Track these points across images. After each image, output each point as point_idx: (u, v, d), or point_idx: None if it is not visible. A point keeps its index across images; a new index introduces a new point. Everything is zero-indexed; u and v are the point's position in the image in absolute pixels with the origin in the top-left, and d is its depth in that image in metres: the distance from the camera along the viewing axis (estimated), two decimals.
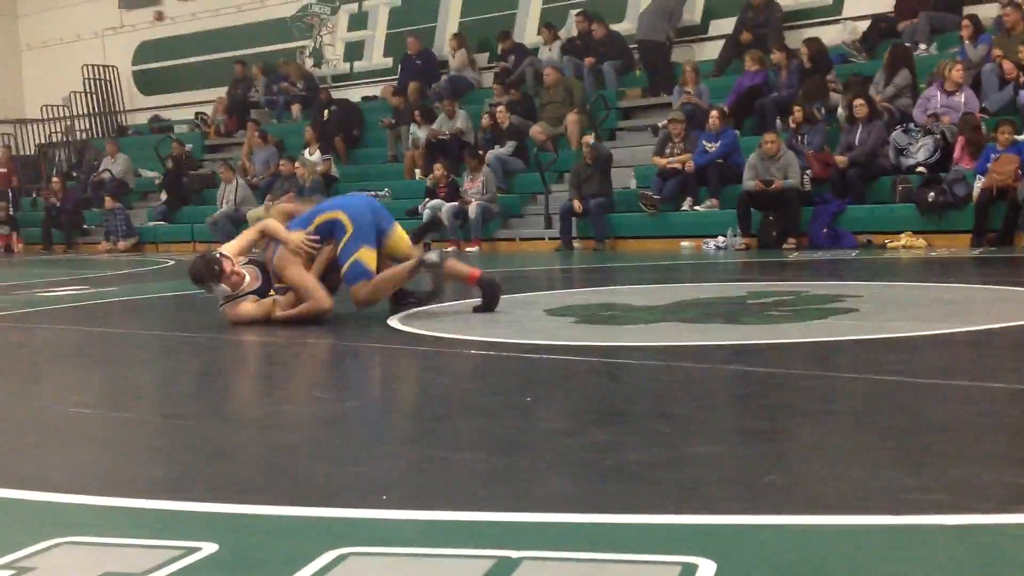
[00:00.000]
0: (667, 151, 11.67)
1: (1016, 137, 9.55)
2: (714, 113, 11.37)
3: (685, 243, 11.06)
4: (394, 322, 5.34)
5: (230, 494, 2.34)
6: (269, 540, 2.00)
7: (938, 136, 10.13)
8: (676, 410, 3.15)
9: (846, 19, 12.94)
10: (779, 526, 1.96)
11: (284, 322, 5.35)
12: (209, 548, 1.92)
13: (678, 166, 11.37)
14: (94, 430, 3.25)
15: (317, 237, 5.48)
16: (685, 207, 11.38)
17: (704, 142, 11.34)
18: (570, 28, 14.80)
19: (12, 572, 1.83)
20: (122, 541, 2.00)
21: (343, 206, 5.58)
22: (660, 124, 12.27)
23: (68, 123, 19.97)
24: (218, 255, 5.39)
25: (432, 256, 5.49)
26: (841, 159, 10.40)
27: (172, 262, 12.79)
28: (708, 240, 10.76)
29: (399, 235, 5.73)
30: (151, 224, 16.40)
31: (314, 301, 5.35)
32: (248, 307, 5.41)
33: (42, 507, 2.28)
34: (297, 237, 5.42)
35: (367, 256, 5.43)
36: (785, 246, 10.18)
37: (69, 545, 1.98)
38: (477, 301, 5.67)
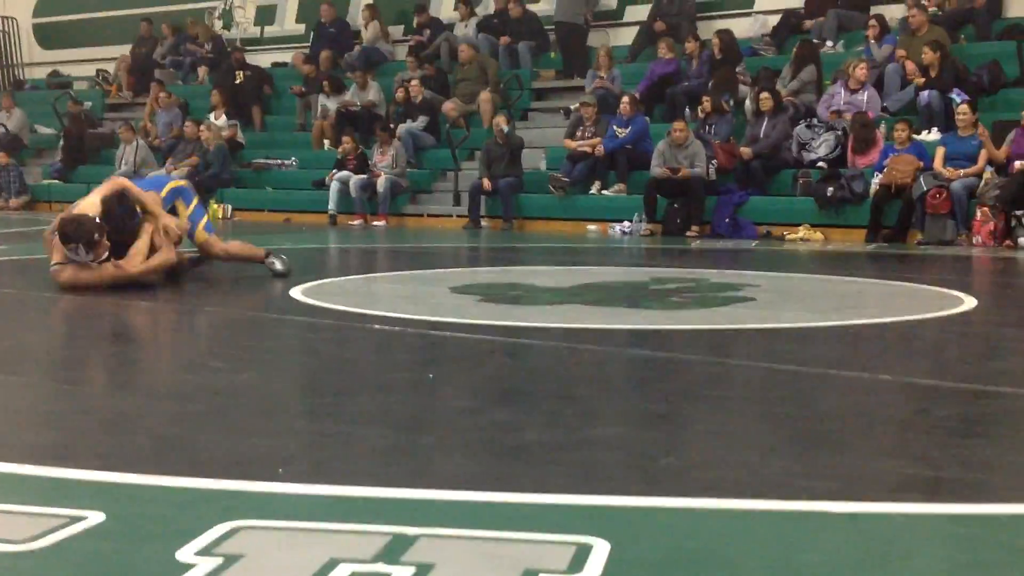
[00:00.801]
0: (578, 134, 11.72)
1: (915, 136, 9.84)
2: (625, 99, 11.45)
3: (591, 227, 11.13)
4: (296, 294, 5.26)
5: (121, 463, 2.28)
6: (160, 511, 1.96)
7: (839, 132, 10.38)
8: (577, 392, 3.17)
9: (758, 12, 13.16)
10: (674, 508, 1.99)
11: (137, 279, 5.30)
12: (96, 517, 1.87)
13: (588, 150, 11.43)
14: None
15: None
16: (593, 191, 11.45)
17: (615, 127, 11.42)
18: (487, 5, 14.73)
19: None
20: (4, 508, 1.93)
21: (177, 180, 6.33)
22: (572, 107, 12.30)
23: None
24: (98, 221, 5.23)
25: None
26: (746, 150, 10.57)
27: None
28: (614, 224, 10.85)
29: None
30: (45, 182, 15.84)
31: (171, 252, 5.50)
32: (85, 273, 5.25)
33: None
34: (171, 222, 5.58)
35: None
36: (688, 234, 10.32)
37: None
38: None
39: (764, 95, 10.65)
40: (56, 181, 15.74)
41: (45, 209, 15.29)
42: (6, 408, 2.93)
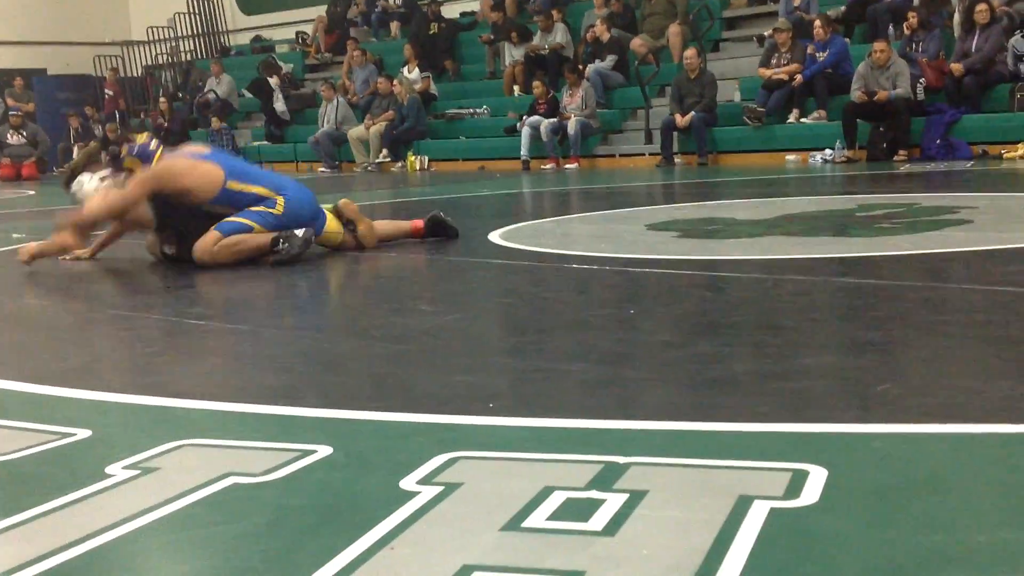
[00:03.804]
0: (773, 62, 11.33)
1: None
2: (817, 22, 10.98)
3: (791, 156, 10.79)
4: (494, 238, 5.36)
5: (342, 401, 2.40)
6: (381, 443, 2.05)
7: None
8: (783, 322, 3.10)
9: None
10: (891, 434, 1.93)
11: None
12: (324, 451, 1.98)
13: (784, 77, 11.05)
14: (211, 340, 3.36)
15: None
16: (791, 119, 11.08)
17: (812, 51, 10.98)
18: None
19: (138, 471, 1.92)
20: (241, 444, 2.07)
21: (290, 196, 4.86)
22: (766, 34, 11.90)
23: (173, 44, 20.29)
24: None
25: (299, 231, 4.73)
26: (956, 66, 9.96)
27: None
28: (815, 153, 10.48)
29: (328, 229, 5.06)
30: (255, 144, 16.67)
31: (117, 201, 4.82)
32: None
33: (165, 411, 2.37)
34: (68, 241, 4.98)
35: (259, 231, 4.76)
36: (896, 158, 9.86)
37: (191, 447, 2.06)
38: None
39: (980, 6, 9.97)
40: (265, 143, 16.53)
41: None
42: (237, 354, 3.13)
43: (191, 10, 20.18)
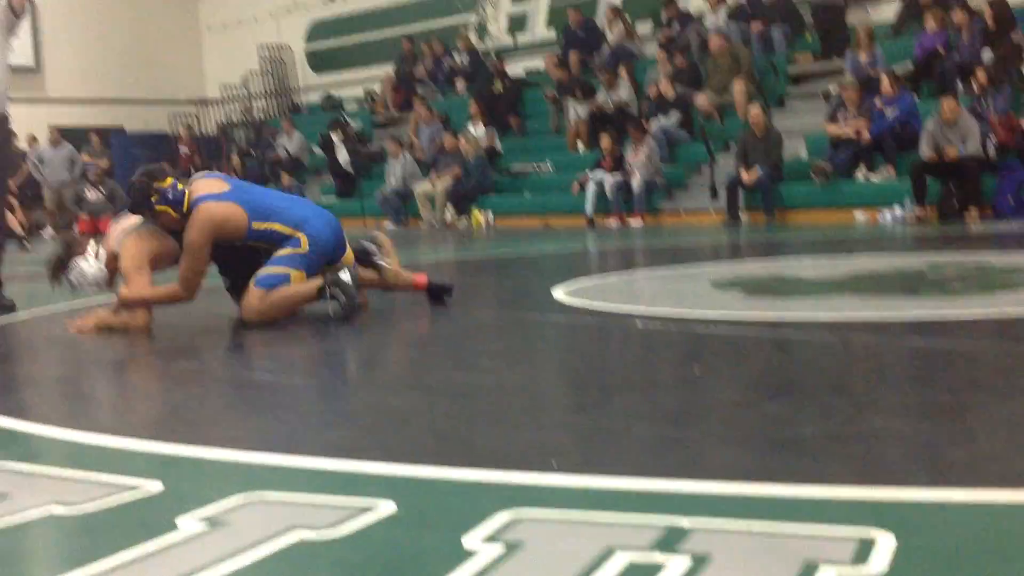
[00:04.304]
0: (839, 118, 11.28)
1: None
2: (885, 79, 10.92)
3: (859, 214, 10.68)
4: (558, 294, 5.37)
5: (405, 456, 2.42)
6: (444, 500, 2.06)
7: None
8: (853, 384, 3.06)
9: None
10: (965, 502, 1.89)
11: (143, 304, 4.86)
12: (388, 506, 1.99)
13: (851, 134, 10.98)
14: (278, 395, 3.41)
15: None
16: (859, 176, 10.99)
17: (880, 108, 10.90)
18: None
19: (208, 525, 1.94)
20: (307, 499, 2.10)
21: (311, 231, 4.83)
22: (832, 89, 11.86)
23: (246, 102, 20.82)
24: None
25: (343, 275, 4.74)
26: None
27: None
28: (883, 210, 10.36)
29: (346, 258, 5.00)
30: (324, 200, 16.95)
31: (188, 290, 4.85)
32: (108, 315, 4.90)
33: (234, 465, 2.40)
34: (140, 322, 4.84)
35: (296, 278, 4.78)
36: (967, 216, 9.71)
37: (259, 502, 2.09)
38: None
39: None
40: (334, 199, 16.81)
41: None
42: (303, 409, 3.17)
43: (263, 69, 20.73)
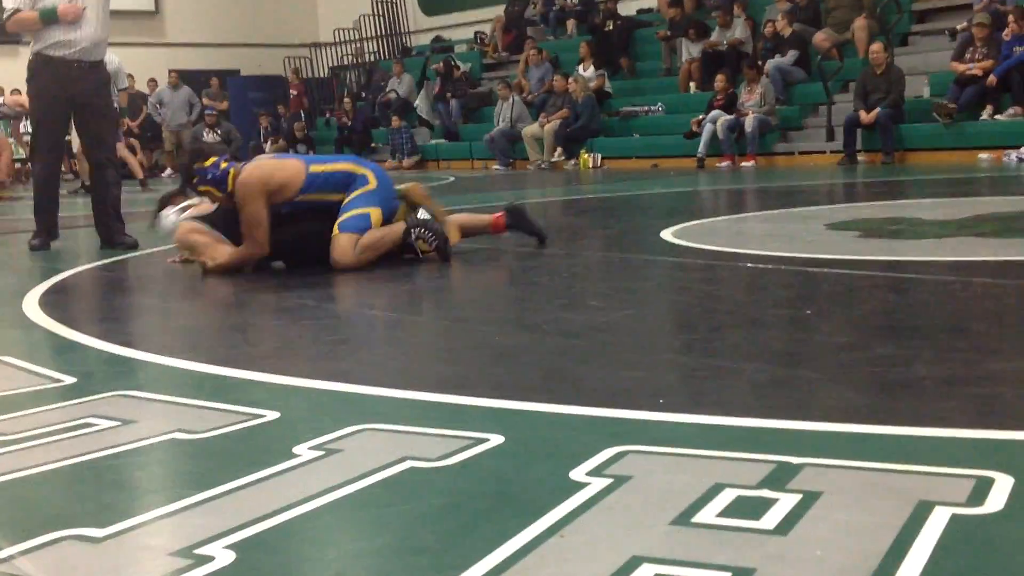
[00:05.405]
0: (967, 56, 10.81)
1: None
2: (1011, 16, 10.40)
3: (983, 155, 10.27)
4: (667, 235, 5.32)
5: (513, 392, 2.44)
6: (551, 434, 2.08)
7: None
8: (971, 326, 2.97)
9: None
10: None
11: (218, 271, 4.80)
12: (496, 439, 2.02)
13: (978, 72, 10.52)
14: (389, 331, 3.48)
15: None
16: (984, 116, 10.55)
17: (1009, 46, 10.41)
18: None
19: (323, 452, 2.01)
20: (417, 430, 2.14)
21: (371, 166, 4.93)
22: (959, 27, 11.36)
23: (358, 45, 21.00)
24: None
25: (421, 214, 4.78)
26: None
27: (452, 179, 13.30)
28: (1009, 151, 9.94)
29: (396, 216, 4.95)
30: (433, 142, 17.06)
31: (256, 244, 4.75)
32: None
33: (347, 397, 2.47)
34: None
35: (376, 217, 4.74)
36: None
37: (371, 431, 2.14)
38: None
39: None
40: (443, 141, 16.91)
41: (434, 168, 16.51)
42: (414, 344, 3.23)
43: (375, 12, 20.84)
